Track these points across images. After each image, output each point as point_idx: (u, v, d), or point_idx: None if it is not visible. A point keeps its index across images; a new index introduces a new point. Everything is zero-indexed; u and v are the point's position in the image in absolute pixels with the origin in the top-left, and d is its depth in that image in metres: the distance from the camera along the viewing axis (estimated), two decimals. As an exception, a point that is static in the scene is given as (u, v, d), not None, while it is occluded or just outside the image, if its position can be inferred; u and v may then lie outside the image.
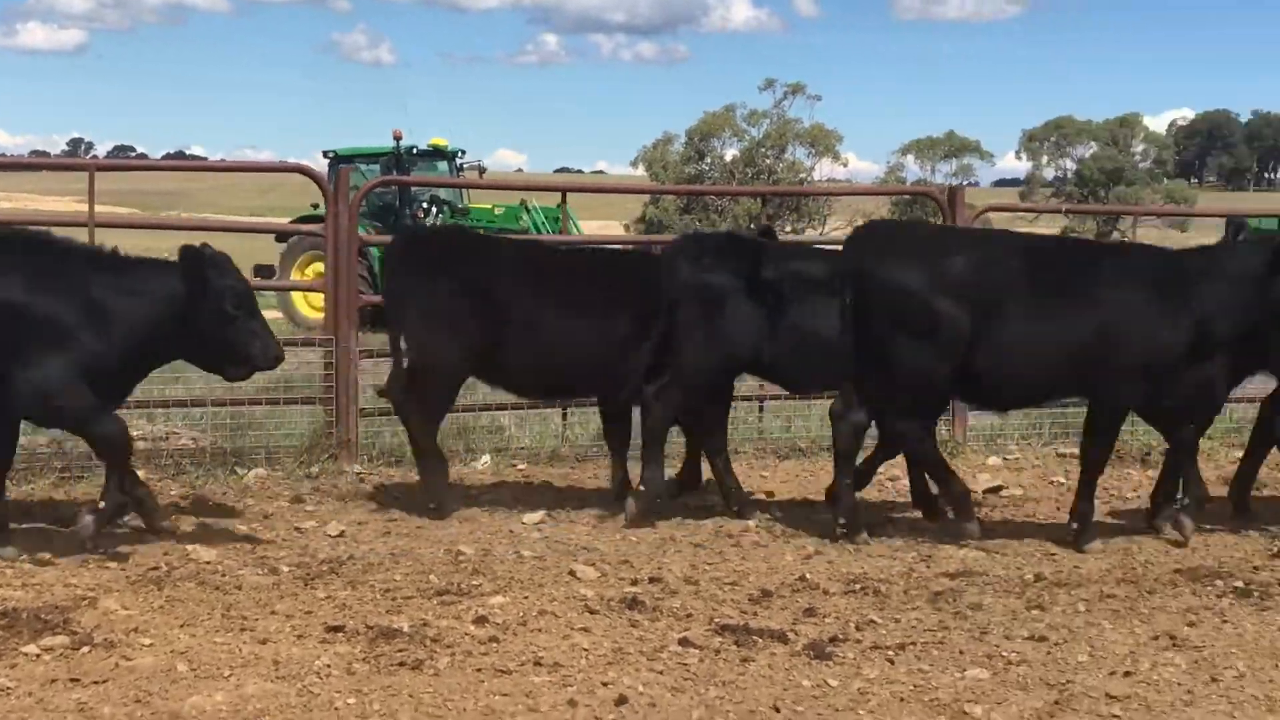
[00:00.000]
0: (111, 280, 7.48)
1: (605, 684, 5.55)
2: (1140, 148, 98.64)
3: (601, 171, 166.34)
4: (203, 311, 7.49)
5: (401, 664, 5.76)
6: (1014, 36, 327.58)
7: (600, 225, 56.24)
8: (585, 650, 5.97)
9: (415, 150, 27.82)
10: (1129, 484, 10.29)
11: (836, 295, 8.40)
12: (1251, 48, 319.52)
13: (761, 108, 79.10)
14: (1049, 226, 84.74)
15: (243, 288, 7.67)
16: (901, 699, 5.45)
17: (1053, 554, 8.04)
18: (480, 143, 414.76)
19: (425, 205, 27.29)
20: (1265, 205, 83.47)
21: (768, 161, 77.00)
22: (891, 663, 5.89)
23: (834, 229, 72.81)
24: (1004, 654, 6.01)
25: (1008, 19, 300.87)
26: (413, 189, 26.87)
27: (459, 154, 28.62)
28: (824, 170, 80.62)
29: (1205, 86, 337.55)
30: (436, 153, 28.40)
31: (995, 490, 9.99)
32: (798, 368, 9.05)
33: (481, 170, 29.18)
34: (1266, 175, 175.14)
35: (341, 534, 8.21)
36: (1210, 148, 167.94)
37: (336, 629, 6.21)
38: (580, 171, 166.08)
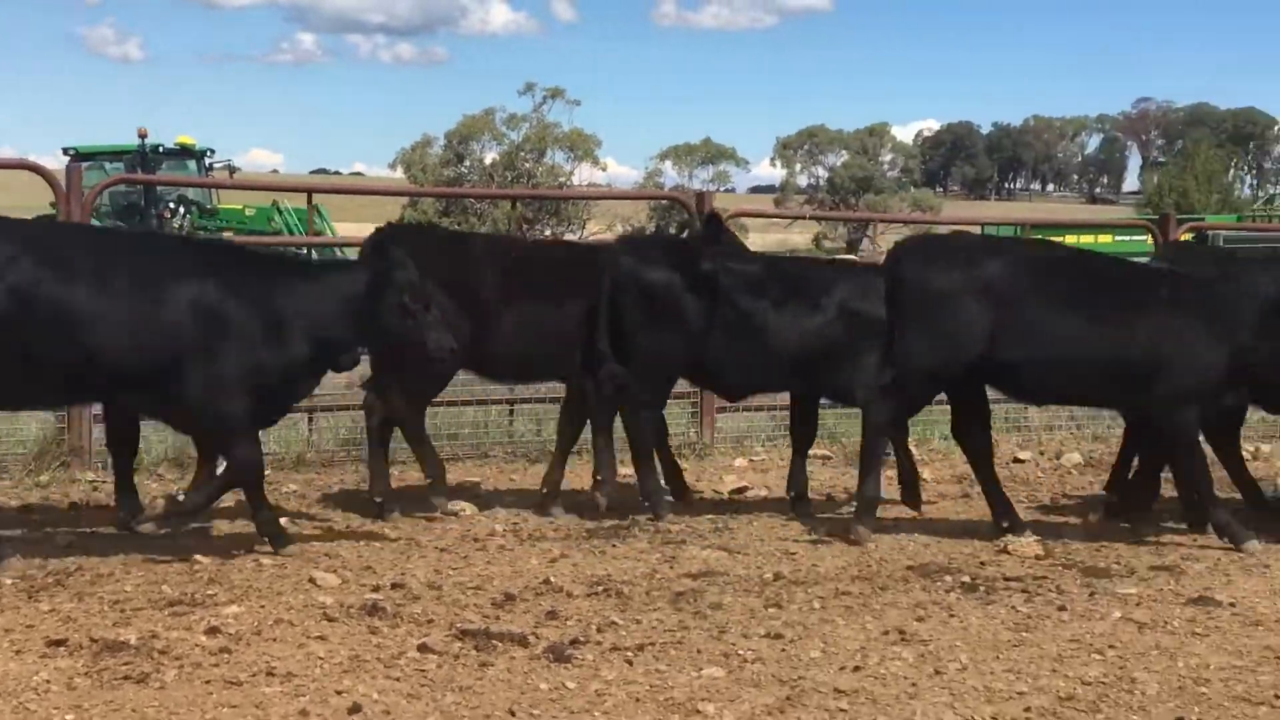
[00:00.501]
0: (296, 284, 7.77)
1: (339, 693, 5.45)
2: (889, 157, 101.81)
3: (359, 173, 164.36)
4: (382, 307, 7.75)
5: (126, 678, 5.56)
6: (769, 46, 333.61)
7: (357, 228, 55.31)
8: (321, 659, 5.86)
9: (161, 149, 27.09)
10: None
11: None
12: (992, 62, 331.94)
13: (521, 111, 79.21)
14: (803, 233, 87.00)
15: (421, 282, 7.85)
16: (637, 699, 5.48)
17: (793, 553, 8.20)
18: (234, 142, 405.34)
19: (172, 205, 26.60)
20: (1006, 213, 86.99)
21: (527, 165, 77.09)
22: (630, 663, 5.93)
23: (593, 233, 73.38)
24: (740, 652, 6.10)
25: (764, 29, 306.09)
26: (158, 188, 26.16)
27: (208, 153, 27.97)
28: (584, 175, 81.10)
29: (949, 99, 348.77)
30: (184, 151, 27.75)
31: (741, 491, 10.16)
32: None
33: (232, 170, 28.57)
34: (1006, 185, 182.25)
35: (70, 544, 7.90)
36: (954, 157, 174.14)
37: (58, 643, 5.97)
38: (338, 173, 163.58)
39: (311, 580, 7.19)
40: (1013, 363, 8.37)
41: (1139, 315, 8.35)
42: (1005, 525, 8.69)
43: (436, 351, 7.88)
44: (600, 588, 7.23)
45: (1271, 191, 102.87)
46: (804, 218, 19.93)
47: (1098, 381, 8.49)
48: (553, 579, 7.37)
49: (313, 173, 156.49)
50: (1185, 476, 8.81)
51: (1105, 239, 31.68)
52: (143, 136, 26.39)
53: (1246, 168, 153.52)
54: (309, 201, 12.98)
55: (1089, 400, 9.74)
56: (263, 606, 6.66)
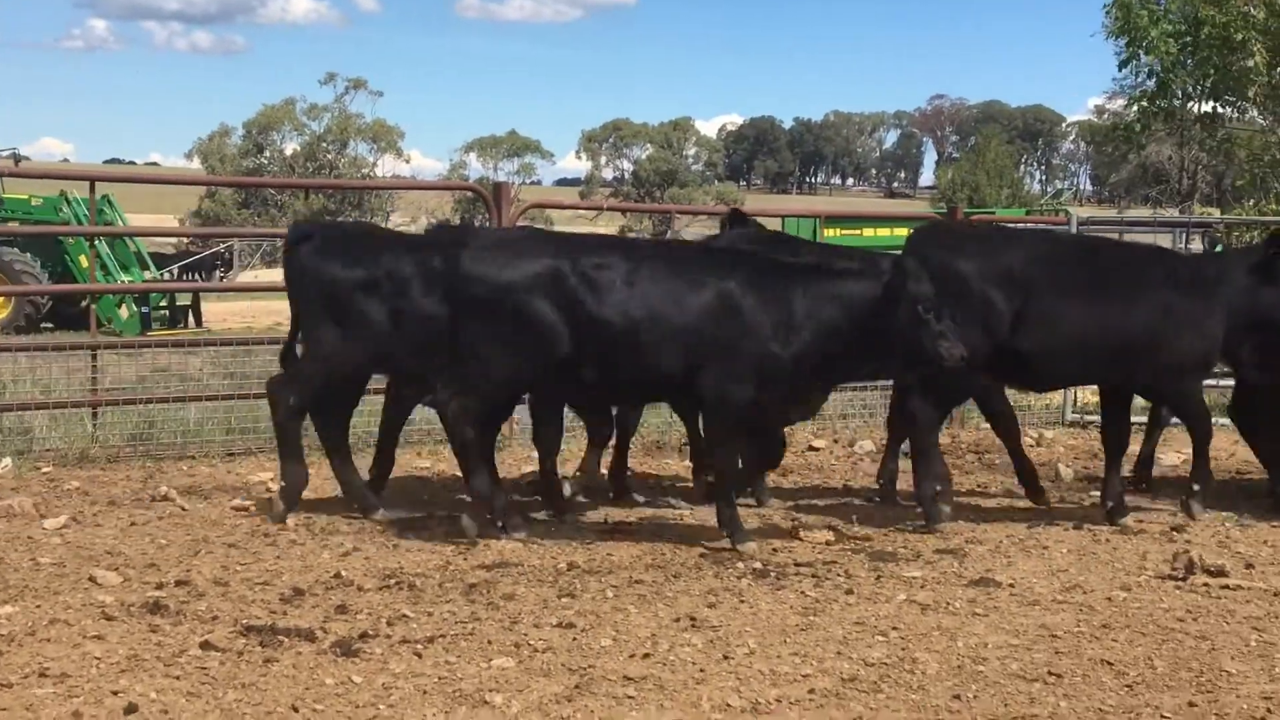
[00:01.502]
0: (813, 286, 8.01)
1: (115, 693, 5.29)
2: (692, 151, 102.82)
3: (155, 163, 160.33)
4: (896, 315, 7.86)
5: (-111, 683, 5.33)
6: (575, 39, 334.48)
7: (153, 219, 54.09)
8: (97, 659, 5.69)
9: (-64, 137, 26.07)
10: (668, 472, 10.66)
11: None
12: (794, 59, 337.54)
13: (322, 102, 78.21)
14: (608, 225, 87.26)
15: (933, 293, 7.97)
16: (425, 692, 5.43)
17: (588, 543, 8.21)
18: (22, 131, 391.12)
19: (-49, 195, 25.64)
20: (807, 207, 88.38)
21: (329, 156, 76.11)
22: (419, 656, 5.87)
23: (398, 224, 72.68)
24: (531, 642, 6.08)
25: (568, 22, 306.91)
26: (-64, 178, 25.27)
27: (-10, 141, 26.96)
28: (387, 166, 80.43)
29: (752, 94, 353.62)
30: (-37, 140, 26.69)
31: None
32: None
33: (17, 158, 27.58)
34: (808, 179, 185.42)
35: None
36: (757, 152, 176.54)
37: None
38: (133, 163, 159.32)
39: (91, 579, 6.98)
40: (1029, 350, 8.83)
41: (1141, 299, 8.88)
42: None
43: (950, 361, 7.94)
44: (393, 581, 7.15)
45: (1059, 186, 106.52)
46: (598, 208, 19.93)
47: (1108, 363, 8.97)
48: (344, 573, 7.27)
49: (106, 162, 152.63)
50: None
51: (901, 231, 32.40)
52: (-82, 123, 25.42)
53: (1036, 163, 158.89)
54: (91, 191, 12.58)
55: (1096, 380, 9.97)
56: (38, 606, 6.45)
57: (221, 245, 51.97)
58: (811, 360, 8.01)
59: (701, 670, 5.76)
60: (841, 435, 12.49)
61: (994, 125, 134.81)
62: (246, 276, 51.81)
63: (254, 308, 38.49)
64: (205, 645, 5.89)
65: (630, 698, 5.42)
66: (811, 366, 8.06)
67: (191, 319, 31.33)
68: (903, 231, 31.99)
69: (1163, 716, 5.32)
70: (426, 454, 11.22)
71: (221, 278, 51.34)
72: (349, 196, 71.15)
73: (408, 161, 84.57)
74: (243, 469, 10.32)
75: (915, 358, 8.08)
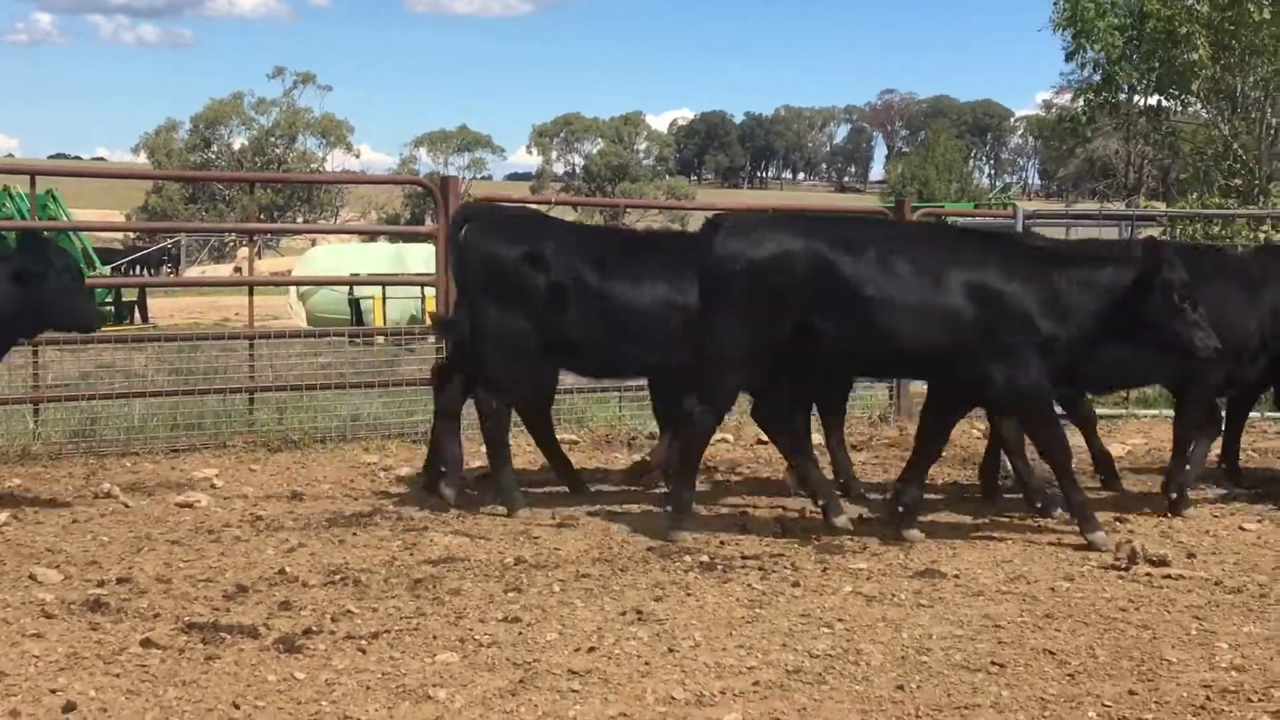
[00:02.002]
0: (1067, 272, 8.02)
1: (54, 691, 5.23)
2: (644, 145, 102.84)
3: (101, 158, 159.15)
4: (1151, 303, 7.91)
5: None
6: (525, 33, 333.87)
7: (100, 214, 53.55)
8: (36, 657, 5.62)
9: (-120, 130, 25.76)
10: (616, 465, 10.66)
11: None
12: (744, 53, 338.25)
13: (271, 96, 77.76)
14: (562, 217, 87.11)
15: (1189, 281, 8.04)
16: (368, 687, 5.39)
17: (535, 537, 8.19)
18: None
19: (-107, 190, 25.36)
20: (758, 200, 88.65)
21: (278, 151, 75.69)
22: (363, 652, 5.83)
23: (347, 219, 72.40)
24: (476, 637, 6.06)
25: (519, 16, 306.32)
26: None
27: (-68, 135, 26.65)
28: (336, 161, 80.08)
29: (703, 89, 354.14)
30: (-95, 133, 26.37)
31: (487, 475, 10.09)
32: None
33: (-42, 153, 27.25)
34: (759, 173, 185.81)
35: None
36: (708, 146, 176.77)
37: None
38: (79, 157, 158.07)
39: (31, 576, 6.90)
40: None
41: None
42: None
43: (1204, 351, 8.01)
44: (338, 576, 7.11)
45: (1007, 180, 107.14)
46: (547, 202, 19.90)
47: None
48: (288, 569, 7.22)
49: (51, 157, 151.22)
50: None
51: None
52: None
53: (985, 158, 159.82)
54: (32, 185, 12.43)
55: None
56: (-24, 605, 6.37)
57: (168, 240, 51.61)
58: (1065, 355, 8.10)
59: (646, 663, 5.75)
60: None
61: (943, 120, 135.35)
62: (194, 272, 51.53)
63: (201, 303, 38.31)
64: (146, 643, 5.83)
65: (575, 691, 5.40)
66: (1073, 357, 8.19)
67: (137, 315, 31.11)
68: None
69: (1104, 705, 5.34)
70: (374, 448, 11.18)
71: (169, 273, 51.04)
72: (298, 191, 70.80)
73: (357, 156, 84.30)
74: (187, 465, 10.24)
75: (1170, 347, 8.19)
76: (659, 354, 8.85)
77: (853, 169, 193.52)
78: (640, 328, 8.81)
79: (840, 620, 6.43)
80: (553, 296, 8.72)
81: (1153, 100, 24.51)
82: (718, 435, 11.39)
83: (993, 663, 5.83)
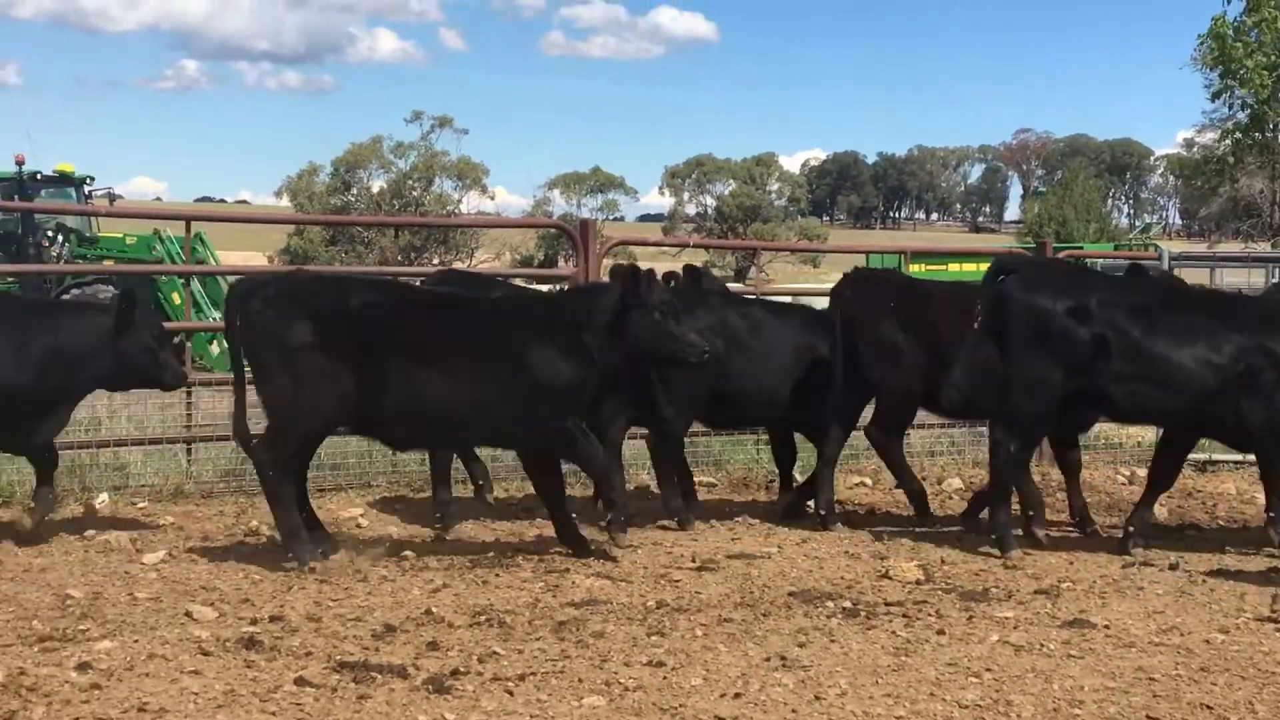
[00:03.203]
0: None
1: (213, 728, 5.36)
2: (775, 186, 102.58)
3: (245, 201, 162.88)
4: None
5: (-8, 717, 5.43)
6: (657, 76, 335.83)
7: (243, 257, 54.74)
8: (195, 694, 5.76)
9: (40, 176, 26.60)
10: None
11: None
12: (876, 93, 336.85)
13: (408, 140, 78.81)
14: (693, 259, 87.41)
15: None
16: (517, 729, 5.45)
17: (676, 580, 8.21)
18: (117, 170, 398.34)
19: (50, 233, 26.15)
20: (891, 242, 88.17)
21: (415, 193, 76.71)
22: (511, 694, 5.89)
23: (481, 261, 73.14)
24: (621, 680, 6.08)
25: (651, 59, 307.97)
26: (37, 216, 25.80)
27: (87, 180, 27.47)
28: (472, 203, 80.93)
29: (835, 129, 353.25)
30: (63, 179, 27.23)
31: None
32: None
33: (112, 198, 28.06)
34: (891, 214, 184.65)
35: (-60, 581, 7.70)
36: (840, 187, 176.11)
37: (-78, 682, 5.80)
38: (223, 201, 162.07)
39: (188, 614, 7.07)
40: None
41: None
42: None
43: None
44: (483, 617, 7.18)
45: (1147, 220, 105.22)
46: (685, 245, 20.05)
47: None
48: (434, 609, 7.31)
49: (197, 200, 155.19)
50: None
51: (987, 267, 32.17)
52: (20, 163, 25.91)
53: (1124, 197, 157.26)
54: (187, 230, 12.77)
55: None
56: (136, 641, 6.53)
57: (310, 282, 52.37)
58: None
59: (793, 710, 5.73)
60: (930, 472, 12.39)
61: (1080, 159, 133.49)
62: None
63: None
64: (300, 681, 5.94)
65: (722, 738, 5.41)
66: None
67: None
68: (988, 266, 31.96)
69: (1265, 763, 5.22)
70: (514, 489, 11.26)
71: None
72: (434, 234, 71.71)
73: (492, 198, 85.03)
74: (334, 505, 10.40)
75: None
76: (1182, 400, 8.97)
77: (987, 209, 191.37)
78: (1173, 376, 8.90)
79: (988, 670, 6.36)
80: (1095, 347, 8.92)
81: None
82: (856, 479, 11.34)
83: (1148, 716, 5.74)
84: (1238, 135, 24.32)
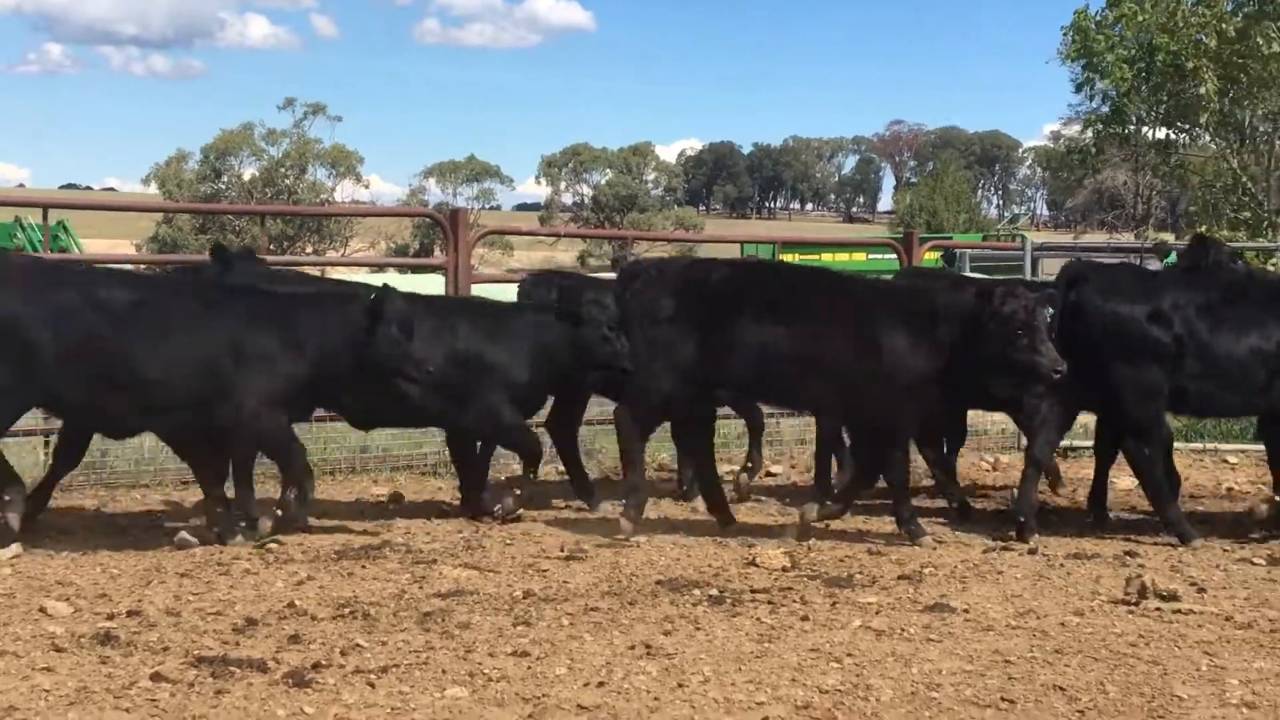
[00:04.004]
0: None
1: (64, 726, 5.25)
2: (652, 175, 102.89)
3: (112, 188, 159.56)
4: None
5: None
6: (534, 65, 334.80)
7: (109, 245, 53.73)
8: (46, 691, 5.62)
9: (-107, 161, 25.91)
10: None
11: None
12: (752, 84, 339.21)
13: (281, 127, 77.96)
14: (568, 251, 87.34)
15: None
16: (377, 722, 5.41)
17: (544, 570, 8.20)
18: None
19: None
20: (767, 232, 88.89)
21: (288, 181, 75.86)
22: (372, 686, 5.83)
23: (357, 249, 72.52)
24: (485, 671, 6.06)
25: (528, 47, 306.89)
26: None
27: (-55, 166, 26.78)
28: (346, 191, 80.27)
29: (711, 119, 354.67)
30: (-83, 165, 26.53)
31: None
32: None
33: (-31, 184, 27.39)
34: (767, 204, 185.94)
35: None
36: (716, 177, 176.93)
37: None
38: (89, 188, 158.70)
39: (42, 609, 6.90)
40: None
41: None
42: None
43: None
44: (347, 610, 7.11)
45: (1015, 211, 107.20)
46: (556, 234, 19.97)
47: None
48: (298, 602, 7.22)
49: (62, 188, 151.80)
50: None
51: (859, 257, 32.57)
52: None
53: (993, 188, 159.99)
54: (45, 217, 12.50)
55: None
56: (-13, 638, 6.37)
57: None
58: None
59: (656, 698, 5.74)
60: (799, 461, 12.52)
61: (951, 151, 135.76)
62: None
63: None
64: (156, 677, 5.83)
65: (584, 726, 5.41)
66: None
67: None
68: (860, 256, 32.29)
69: (1114, 742, 5.34)
70: (382, 480, 11.20)
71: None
72: (307, 222, 70.95)
73: (366, 187, 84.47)
74: (197, 496, 10.23)
75: None
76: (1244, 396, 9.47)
77: (861, 199, 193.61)
78: (1243, 373, 9.33)
79: (850, 655, 6.42)
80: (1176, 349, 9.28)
81: (1161, 133, 24.49)
82: (728, 467, 11.41)
83: (1003, 698, 5.82)
84: (1099, 127, 24.80)
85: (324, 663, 6.13)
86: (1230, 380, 9.29)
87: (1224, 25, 21.43)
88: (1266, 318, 9.32)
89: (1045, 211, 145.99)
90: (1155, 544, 9.23)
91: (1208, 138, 24.61)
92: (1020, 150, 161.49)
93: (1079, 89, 24.49)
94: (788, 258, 30.86)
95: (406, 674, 6.02)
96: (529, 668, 6.15)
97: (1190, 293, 9.41)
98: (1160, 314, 9.24)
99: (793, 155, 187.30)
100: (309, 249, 70.41)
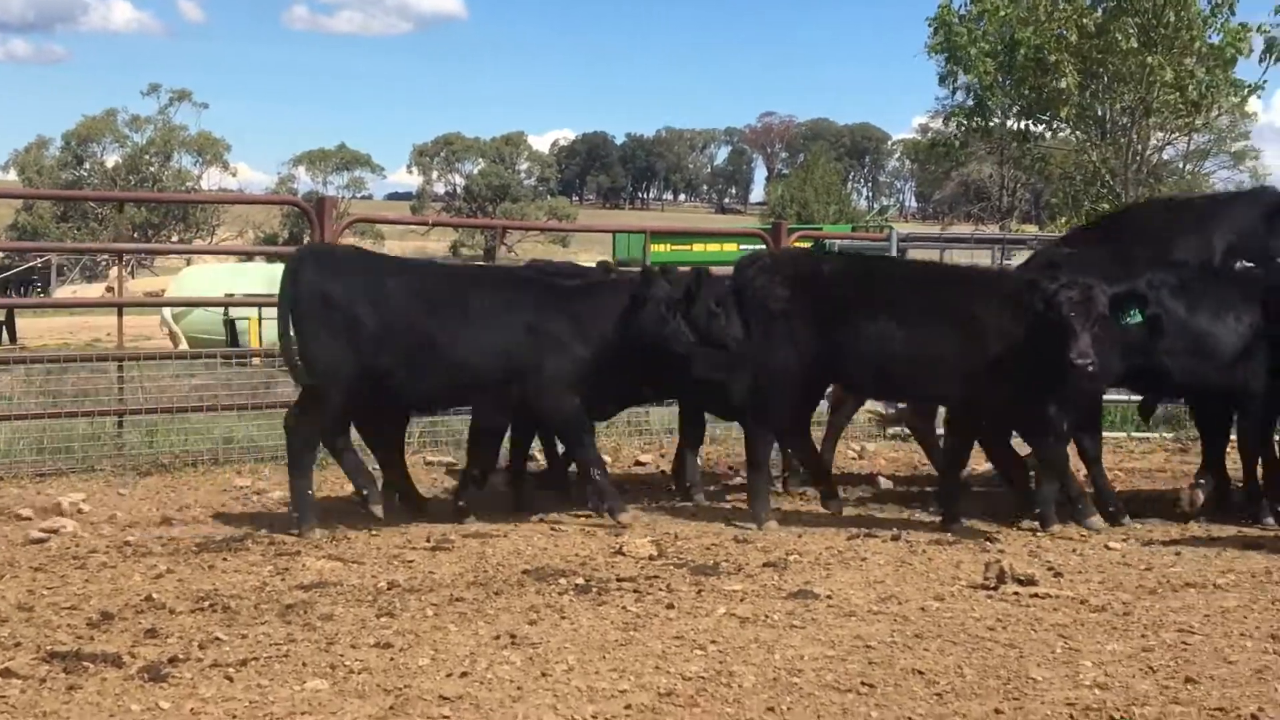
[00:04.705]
0: None
1: (-92, 725, 5.10)
2: (525, 165, 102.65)
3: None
4: None
5: None
6: (405, 53, 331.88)
7: (-35, 231, 52.35)
8: (-109, 690, 5.47)
9: None
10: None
11: None
12: (625, 74, 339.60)
13: (145, 114, 76.56)
14: (440, 240, 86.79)
15: None
16: (234, 716, 5.31)
17: (410, 561, 8.14)
18: None
19: None
20: (640, 222, 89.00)
21: (153, 169, 74.51)
22: (230, 680, 5.74)
23: (224, 238, 71.49)
24: (347, 663, 5.99)
25: (399, 35, 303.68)
26: None
27: None
28: (213, 179, 79.10)
29: (584, 109, 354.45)
30: None
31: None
32: None
33: None
34: (640, 194, 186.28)
35: None
36: (590, 167, 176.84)
37: None
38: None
39: (-111, 606, 6.72)
40: None
41: None
42: None
43: None
44: (206, 603, 7.00)
45: (885, 203, 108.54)
46: (424, 223, 19.95)
47: None
48: (155, 595, 7.10)
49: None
50: None
51: (730, 247, 32.76)
52: None
53: (863, 180, 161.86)
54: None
55: None
56: None
57: (38, 260, 50.60)
58: None
59: (519, 688, 5.72)
60: (669, 450, 12.56)
61: (822, 142, 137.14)
62: (64, 292, 50.51)
63: (72, 324, 37.54)
64: (5, 672, 5.69)
65: (445, 717, 5.36)
66: None
67: (4, 335, 30.45)
68: (731, 247, 32.47)
69: (970, 724, 5.42)
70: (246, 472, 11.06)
71: (38, 293, 50.05)
72: (173, 210, 69.72)
73: (234, 175, 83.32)
74: (54, 489, 10.04)
75: None
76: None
77: (733, 190, 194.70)
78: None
79: (713, 642, 6.45)
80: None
81: (1023, 125, 24.86)
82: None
83: (863, 683, 5.88)
84: (962, 120, 25.18)
85: (181, 656, 6.03)
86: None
87: (1085, 20, 21.85)
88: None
89: (914, 203, 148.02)
90: (1015, 529, 9.38)
91: (1067, 131, 25.07)
92: (890, 143, 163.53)
93: (942, 82, 24.81)
94: (658, 248, 31.06)
95: (266, 667, 5.93)
96: (391, 659, 6.09)
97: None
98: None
99: (666, 146, 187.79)
100: (174, 237, 69.24)
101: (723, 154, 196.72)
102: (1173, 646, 6.48)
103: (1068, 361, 8.60)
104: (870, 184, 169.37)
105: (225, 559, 8.07)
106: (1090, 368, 8.64)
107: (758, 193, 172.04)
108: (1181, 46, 21.96)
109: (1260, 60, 21.63)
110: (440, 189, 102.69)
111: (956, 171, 51.28)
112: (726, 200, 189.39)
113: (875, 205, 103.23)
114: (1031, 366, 8.92)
